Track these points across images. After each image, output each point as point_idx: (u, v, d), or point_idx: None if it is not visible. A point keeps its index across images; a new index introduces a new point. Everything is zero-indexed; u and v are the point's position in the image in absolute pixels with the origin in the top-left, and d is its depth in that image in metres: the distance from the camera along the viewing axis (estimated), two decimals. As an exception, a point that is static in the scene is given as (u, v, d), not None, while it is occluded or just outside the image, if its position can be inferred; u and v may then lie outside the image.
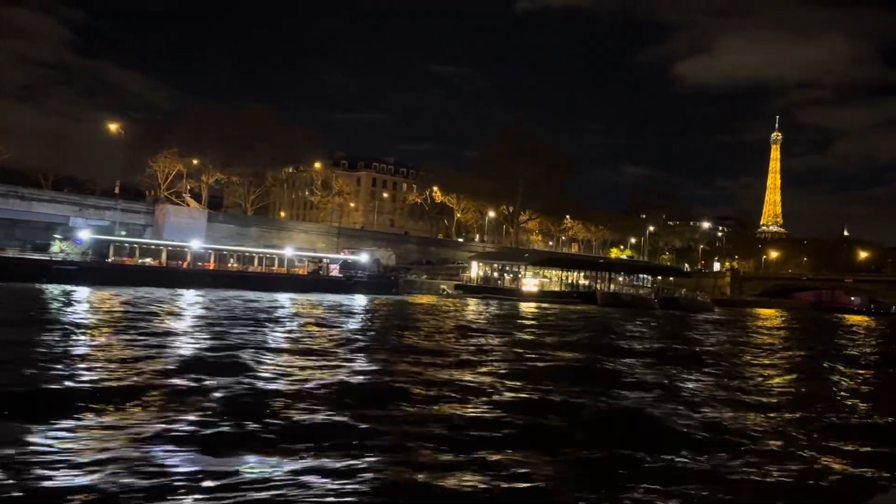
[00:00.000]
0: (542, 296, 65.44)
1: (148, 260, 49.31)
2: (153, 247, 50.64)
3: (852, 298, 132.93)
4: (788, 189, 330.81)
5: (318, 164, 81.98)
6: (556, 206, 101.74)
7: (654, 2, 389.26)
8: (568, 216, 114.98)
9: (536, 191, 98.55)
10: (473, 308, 46.97)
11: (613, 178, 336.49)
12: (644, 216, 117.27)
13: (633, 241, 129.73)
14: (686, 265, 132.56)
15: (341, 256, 61.36)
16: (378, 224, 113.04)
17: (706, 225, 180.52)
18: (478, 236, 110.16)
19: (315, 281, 54.48)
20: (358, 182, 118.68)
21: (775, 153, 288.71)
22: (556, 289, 69.20)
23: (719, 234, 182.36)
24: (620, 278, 76.62)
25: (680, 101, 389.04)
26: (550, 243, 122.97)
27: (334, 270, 58.38)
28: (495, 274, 68.44)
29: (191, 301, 35.65)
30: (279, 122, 78.63)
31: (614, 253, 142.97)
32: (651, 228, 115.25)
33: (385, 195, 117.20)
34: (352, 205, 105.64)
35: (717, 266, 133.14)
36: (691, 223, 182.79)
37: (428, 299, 56.50)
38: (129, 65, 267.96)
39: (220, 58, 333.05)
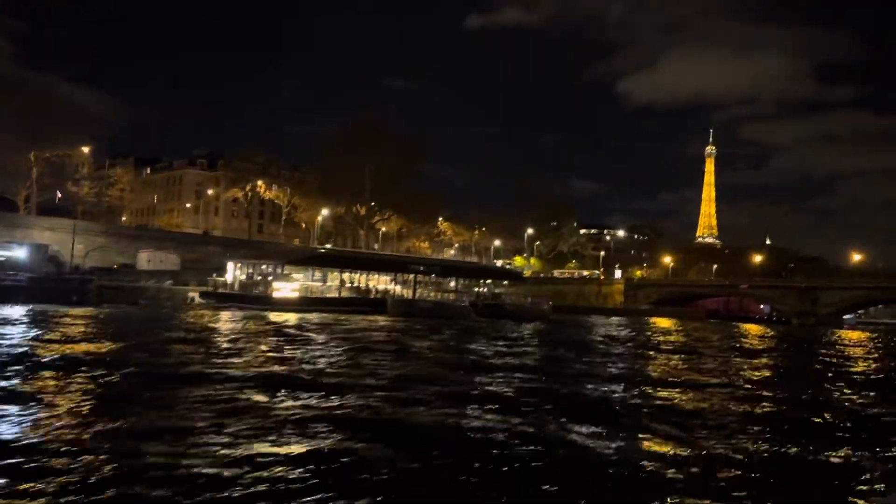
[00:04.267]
0: (311, 303, 48.81)
1: None
2: None
3: (762, 307, 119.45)
4: (728, 202, 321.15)
5: (85, 149, 64.42)
6: (412, 203, 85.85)
7: (600, 20, 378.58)
8: (441, 218, 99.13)
9: (387, 186, 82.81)
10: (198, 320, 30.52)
11: (563, 191, 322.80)
12: (529, 218, 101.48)
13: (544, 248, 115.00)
14: (580, 271, 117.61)
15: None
16: (238, 229, 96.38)
17: (620, 233, 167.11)
18: (326, 241, 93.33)
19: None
20: (217, 182, 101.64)
21: (710, 166, 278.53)
22: (336, 294, 52.65)
23: (637, 241, 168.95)
24: (431, 282, 60.51)
25: (625, 116, 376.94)
26: (430, 251, 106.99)
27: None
28: (258, 277, 51.60)
29: None
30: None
31: (518, 262, 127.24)
32: (530, 231, 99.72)
33: (240, 195, 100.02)
34: (187, 206, 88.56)
35: (618, 274, 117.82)
36: (594, 230, 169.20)
37: (127, 312, 40.15)
38: (77, 80, 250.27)
39: (169, 71, 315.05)
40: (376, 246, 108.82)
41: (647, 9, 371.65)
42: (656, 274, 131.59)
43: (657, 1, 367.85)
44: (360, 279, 55.70)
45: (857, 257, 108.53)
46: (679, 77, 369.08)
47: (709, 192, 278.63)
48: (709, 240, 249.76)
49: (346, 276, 55.09)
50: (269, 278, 50.08)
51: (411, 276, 58.45)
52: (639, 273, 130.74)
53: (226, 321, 35.29)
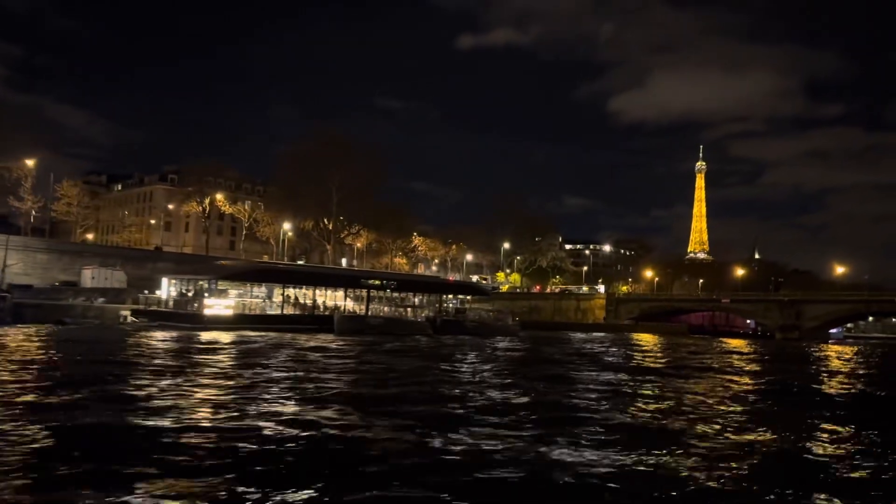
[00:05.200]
0: (248, 321, 45.10)
1: None
2: None
3: (748, 322, 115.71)
4: (719, 218, 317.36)
5: (29, 162, 60.59)
6: (383, 217, 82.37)
7: (591, 41, 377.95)
8: (415, 233, 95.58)
9: (355, 200, 79.53)
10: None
11: (557, 209, 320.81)
12: (506, 233, 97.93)
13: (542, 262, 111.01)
14: (561, 287, 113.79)
15: None
16: (210, 247, 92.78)
17: (606, 248, 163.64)
18: (297, 257, 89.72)
19: None
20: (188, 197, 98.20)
21: (700, 182, 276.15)
22: (279, 311, 48.90)
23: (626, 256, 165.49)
24: (387, 298, 56.88)
25: (617, 134, 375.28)
26: (406, 266, 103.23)
27: None
28: (191, 293, 47.81)
29: None
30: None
31: (501, 278, 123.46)
32: (506, 246, 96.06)
33: (197, 209, 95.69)
34: (151, 222, 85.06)
35: (602, 289, 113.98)
36: (580, 245, 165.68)
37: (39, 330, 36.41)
38: (67, 100, 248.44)
39: (159, 92, 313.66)
40: (344, 261, 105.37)
41: (637, 29, 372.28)
42: (642, 289, 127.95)
43: (647, 21, 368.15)
44: (307, 295, 51.91)
45: (839, 270, 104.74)
46: (669, 95, 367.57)
47: (699, 208, 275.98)
48: (700, 255, 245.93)
49: (291, 291, 51.41)
50: (207, 295, 46.34)
51: (364, 291, 54.84)
52: (624, 288, 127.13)
53: (139, 340, 31.68)
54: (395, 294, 57.38)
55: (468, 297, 64.84)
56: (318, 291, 53.00)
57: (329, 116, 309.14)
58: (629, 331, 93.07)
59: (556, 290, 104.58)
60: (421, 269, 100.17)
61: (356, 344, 36.69)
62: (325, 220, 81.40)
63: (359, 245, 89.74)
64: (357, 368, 23.61)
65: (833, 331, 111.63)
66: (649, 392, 19.58)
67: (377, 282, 55.50)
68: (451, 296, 62.99)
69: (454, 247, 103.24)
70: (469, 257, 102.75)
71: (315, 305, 51.79)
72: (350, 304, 55.26)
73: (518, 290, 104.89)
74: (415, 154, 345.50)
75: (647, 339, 70.24)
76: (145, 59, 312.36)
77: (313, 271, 57.09)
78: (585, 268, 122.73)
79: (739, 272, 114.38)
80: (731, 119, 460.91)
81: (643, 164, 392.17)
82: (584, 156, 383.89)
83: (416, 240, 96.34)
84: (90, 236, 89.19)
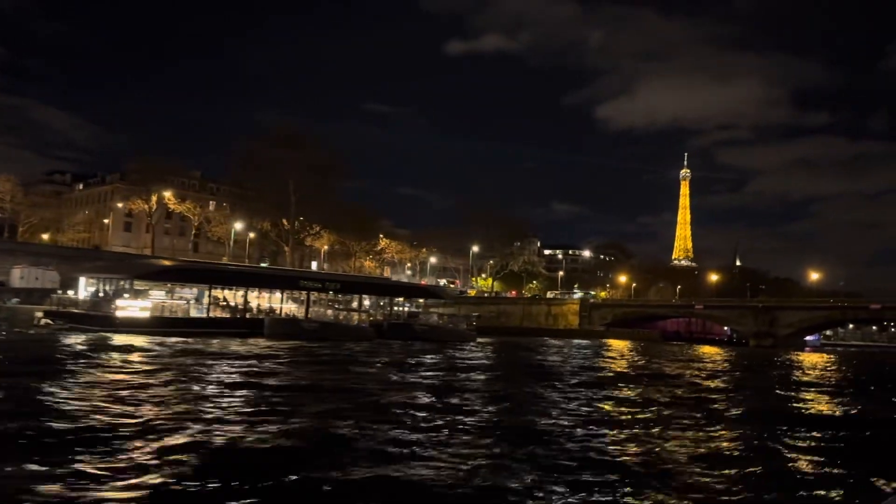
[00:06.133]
0: (166, 325, 41.35)
1: None
2: None
3: (725, 328, 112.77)
4: (706, 226, 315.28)
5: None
6: (347, 218, 78.97)
7: (580, 48, 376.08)
8: (381, 235, 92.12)
9: (315, 200, 76.15)
10: None
11: (546, 215, 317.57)
12: (475, 234, 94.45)
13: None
14: (538, 292, 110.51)
15: None
16: (170, 248, 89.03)
17: (586, 253, 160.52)
18: (260, 259, 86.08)
19: None
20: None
21: (685, 189, 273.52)
22: (204, 314, 45.20)
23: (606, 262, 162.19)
24: (332, 301, 53.42)
25: (604, 141, 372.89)
26: (376, 270, 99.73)
27: None
28: (107, 293, 44.09)
29: None
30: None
31: (478, 282, 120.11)
32: (475, 249, 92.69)
33: (143, 206, 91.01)
34: (104, 221, 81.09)
35: (577, 294, 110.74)
36: (559, 251, 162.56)
37: None
38: (53, 103, 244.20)
39: (145, 96, 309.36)
40: (315, 265, 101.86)
41: (626, 36, 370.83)
42: (619, 295, 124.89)
43: (637, 28, 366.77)
44: (239, 296, 48.24)
45: (814, 276, 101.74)
46: (657, 103, 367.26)
47: (684, 215, 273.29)
48: (684, 262, 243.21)
49: (221, 293, 47.73)
50: (126, 295, 42.59)
51: (304, 293, 51.27)
52: (602, 294, 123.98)
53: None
54: (339, 296, 53.83)
55: (422, 301, 61.22)
56: (253, 293, 49.43)
57: (316, 121, 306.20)
58: (601, 337, 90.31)
59: (528, 295, 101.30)
60: (387, 273, 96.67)
61: (274, 350, 33.23)
62: (285, 221, 77.85)
63: (319, 246, 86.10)
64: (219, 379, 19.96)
65: (810, 338, 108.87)
66: (559, 399, 16.09)
67: (317, 283, 51.86)
68: (402, 299, 59.37)
69: (424, 250, 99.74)
70: (433, 260, 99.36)
71: (247, 308, 48.12)
72: (291, 307, 51.80)
73: (487, 294, 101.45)
74: (402, 160, 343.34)
75: (616, 346, 67.07)
76: (131, 62, 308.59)
77: (246, 271, 53.43)
78: (561, 273, 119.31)
79: (716, 278, 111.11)
80: (718, 127, 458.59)
81: (631, 171, 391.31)
82: (573, 162, 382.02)
83: (383, 242, 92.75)
84: (45, 236, 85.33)
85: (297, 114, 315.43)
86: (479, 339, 60.79)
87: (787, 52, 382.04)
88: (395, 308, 59.01)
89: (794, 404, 20.81)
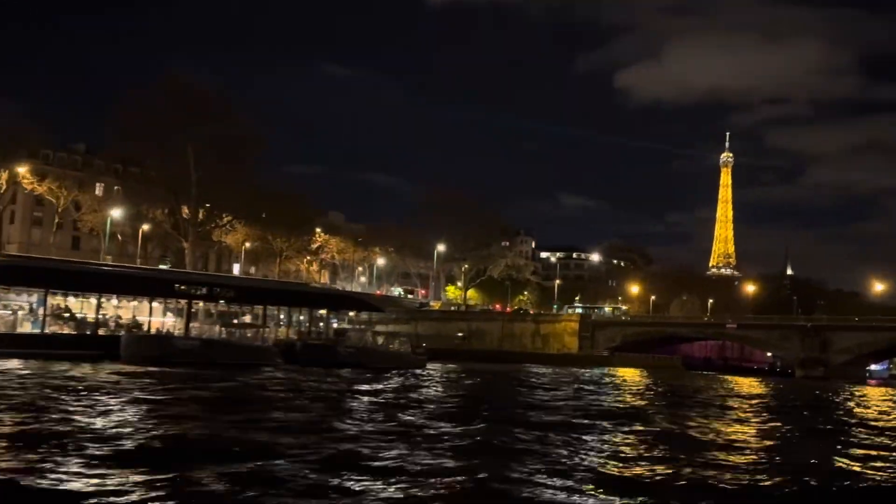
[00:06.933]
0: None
1: None
2: None
3: (768, 354, 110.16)
4: (753, 226, 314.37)
5: None
6: (257, 205, 75.46)
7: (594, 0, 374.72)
8: (318, 229, 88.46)
9: (223, 181, 72.60)
10: None
11: (552, 210, 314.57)
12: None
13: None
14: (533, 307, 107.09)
15: None
16: (43, 244, 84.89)
17: (595, 258, 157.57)
18: (161, 259, 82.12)
19: None
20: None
21: (726, 179, 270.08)
22: (38, 330, 41.33)
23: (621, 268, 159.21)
24: (227, 313, 49.95)
25: (626, 117, 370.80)
26: (317, 275, 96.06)
27: None
28: None
29: None
30: None
31: (451, 293, 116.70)
32: (440, 248, 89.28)
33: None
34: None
35: (579, 308, 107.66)
36: (561, 254, 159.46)
37: None
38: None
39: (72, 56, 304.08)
40: (237, 268, 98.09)
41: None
42: (635, 310, 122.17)
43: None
44: (91, 306, 44.45)
45: (878, 287, 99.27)
46: (691, 69, 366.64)
47: (725, 211, 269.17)
48: (725, 271, 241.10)
49: (64, 300, 43.91)
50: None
51: (185, 302, 47.56)
52: (610, 309, 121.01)
53: None
54: (234, 307, 50.37)
55: (355, 315, 58.21)
56: (111, 301, 45.69)
57: (261, 88, 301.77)
58: (604, 364, 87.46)
59: (500, 309, 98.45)
60: (323, 279, 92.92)
61: (114, 381, 29.37)
62: (185, 209, 74.10)
63: (232, 242, 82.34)
64: None
65: (876, 367, 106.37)
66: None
67: (201, 288, 48.08)
68: (325, 312, 56.00)
69: (377, 249, 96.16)
70: (381, 262, 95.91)
71: (100, 322, 44.28)
72: (168, 321, 48.23)
73: (455, 307, 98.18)
74: (370, 139, 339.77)
75: (624, 376, 63.72)
76: (30, 17, 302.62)
77: (100, 272, 49.39)
78: (558, 281, 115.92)
79: (757, 290, 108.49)
80: (767, 101, 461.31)
81: (658, 156, 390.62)
82: (585, 144, 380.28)
83: (320, 238, 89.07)
84: None
85: (231, 77, 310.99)
86: (433, 366, 57.70)
87: (856, 7, 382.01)
88: (336, 324, 56.45)
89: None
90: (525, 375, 55.19)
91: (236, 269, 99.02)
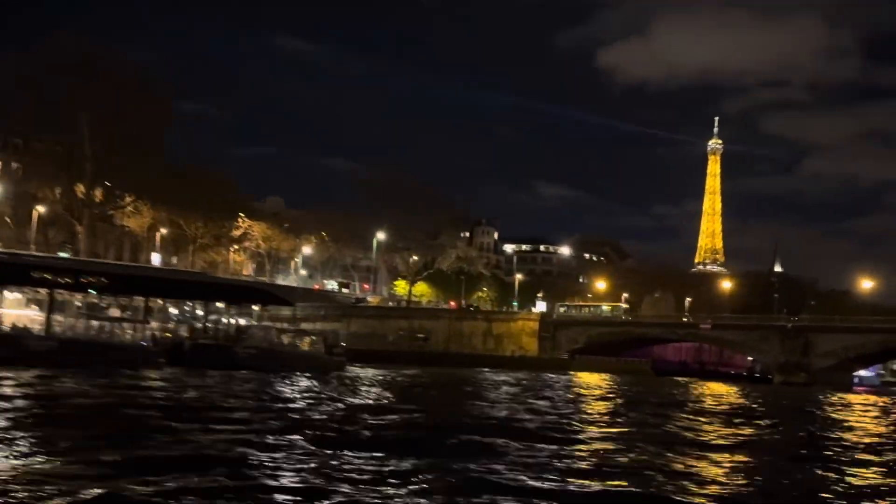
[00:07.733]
0: None
1: None
2: None
3: (749, 358, 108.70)
4: (744, 220, 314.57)
5: None
6: (167, 186, 71.77)
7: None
8: (242, 214, 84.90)
9: (123, 155, 68.85)
10: None
11: (527, 200, 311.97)
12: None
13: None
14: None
15: None
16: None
17: (565, 251, 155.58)
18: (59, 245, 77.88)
19: None
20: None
21: (714, 167, 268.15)
22: None
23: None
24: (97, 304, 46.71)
25: (608, 99, 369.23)
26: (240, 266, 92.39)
27: None
28: None
29: None
30: None
31: (401, 288, 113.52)
32: (380, 236, 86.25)
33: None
34: None
35: (542, 306, 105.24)
36: (527, 246, 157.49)
37: None
38: None
39: None
40: (156, 258, 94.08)
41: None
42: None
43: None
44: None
45: (866, 284, 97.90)
46: (680, 48, 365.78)
47: (712, 203, 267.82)
48: (712, 268, 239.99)
49: None
50: None
51: (46, 292, 44.10)
52: (577, 305, 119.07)
53: None
54: (106, 298, 47.04)
55: (259, 310, 55.16)
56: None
57: (202, 63, 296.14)
58: (564, 368, 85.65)
59: (454, 307, 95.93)
60: (246, 270, 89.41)
61: None
62: (80, 186, 70.20)
63: (136, 227, 78.41)
64: None
65: (865, 373, 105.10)
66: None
67: (66, 276, 44.48)
68: (223, 305, 52.78)
69: (311, 238, 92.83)
70: (307, 250, 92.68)
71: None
72: (25, 315, 44.79)
73: (395, 304, 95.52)
74: (329, 120, 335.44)
75: (584, 382, 61.25)
76: None
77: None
78: (519, 276, 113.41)
79: (736, 287, 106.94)
80: (762, 83, 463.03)
81: (644, 142, 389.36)
82: (565, 128, 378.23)
83: (243, 224, 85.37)
84: None
85: (173, 52, 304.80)
86: (357, 370, 55.12)
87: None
88: (244, 320, 53.32)
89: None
90: (459, 382, 52.09)
91: (155, 259, 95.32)
